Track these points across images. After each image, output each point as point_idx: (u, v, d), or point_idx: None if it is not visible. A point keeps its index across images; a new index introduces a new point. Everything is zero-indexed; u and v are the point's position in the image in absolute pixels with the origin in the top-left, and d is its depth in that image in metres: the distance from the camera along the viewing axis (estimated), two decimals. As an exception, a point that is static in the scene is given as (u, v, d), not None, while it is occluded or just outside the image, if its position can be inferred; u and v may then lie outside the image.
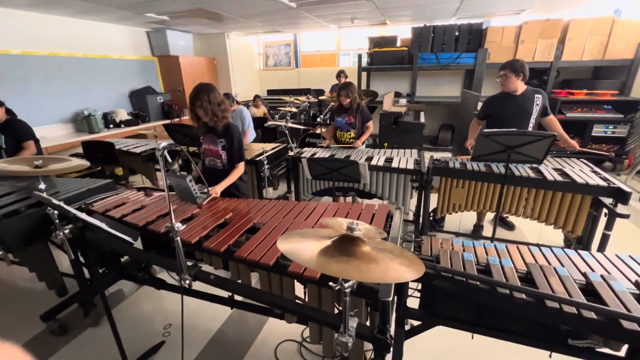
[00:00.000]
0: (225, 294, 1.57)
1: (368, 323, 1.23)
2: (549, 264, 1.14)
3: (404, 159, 2.71)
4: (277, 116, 3.66)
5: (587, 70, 5.23)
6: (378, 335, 0.91)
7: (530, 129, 2.57)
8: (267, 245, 1.25)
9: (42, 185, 1.41)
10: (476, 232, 3.04)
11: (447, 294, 1.09)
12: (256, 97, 5.43)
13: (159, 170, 3.50)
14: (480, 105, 2.97)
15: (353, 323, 0.92)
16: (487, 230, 3.07)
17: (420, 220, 2.69)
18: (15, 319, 2.16)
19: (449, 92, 6.13)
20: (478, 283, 1.01)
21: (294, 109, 4.69)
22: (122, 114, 5.24)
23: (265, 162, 2.74)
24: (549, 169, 2.30)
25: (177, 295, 1.76)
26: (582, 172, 2.22)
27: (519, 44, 4.89)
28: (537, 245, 1.30)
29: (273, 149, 3.10)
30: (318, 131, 4.07)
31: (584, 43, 4.62)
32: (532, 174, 2.22)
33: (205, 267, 1.38)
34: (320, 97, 5.60)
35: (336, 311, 1.21)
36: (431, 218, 2.84)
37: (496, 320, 1.09)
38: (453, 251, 1.20)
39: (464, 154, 2.96)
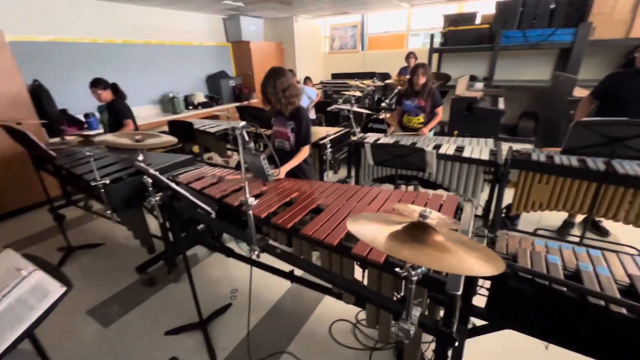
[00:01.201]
0: (286, 268, 1.66)
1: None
2: (661, 279, 0.96)
3: (477, 148, 2.49)
4: (340, 100, 3.64)
5: None
6: (443, 328, 0.87)
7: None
8: (331, 225, 1.27)
9: (141, 157, 1.63)
10: (564, 230, 2.70)
11: (522, 296, 1.00)
12: (307, 79, 5.41)
13: (230, 149, 3.79)
14: (576, 90, 2.56)
15: (416, 312, 0.90)
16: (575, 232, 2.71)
17: (491, 216, 2.47)
18: (116, 267, 2.59)
19: (536, 75, 5.37)
20: (565, 289, 0.90)
21: (358, 93, 4.61)
22: (200, 97, 5.74)
23: (329, 146, 2.76)
24: (667, 168, 1.90)
25: (243, 264, 1.93)
26: None
27: (637, 15, 4.02)
28: (644, 255, 1.10)
29: (336, 133, 3.10)
30: (382, 116, 3.95)
31: None
32: (642, 173, 1.87)
33: (270, 242, 1.47)
34: (386, 81, 5.39)
35: (394, 299, 1.20)
36: (503, 215, 2.59)
37: (580, 334, 0.97)
38: (534, 251, 1.08)
39: (549, 146, 2.60)
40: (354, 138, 2.95)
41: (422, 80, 2.83)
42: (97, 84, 3.02)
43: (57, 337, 1.93)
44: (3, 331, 1.00)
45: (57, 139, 3.40)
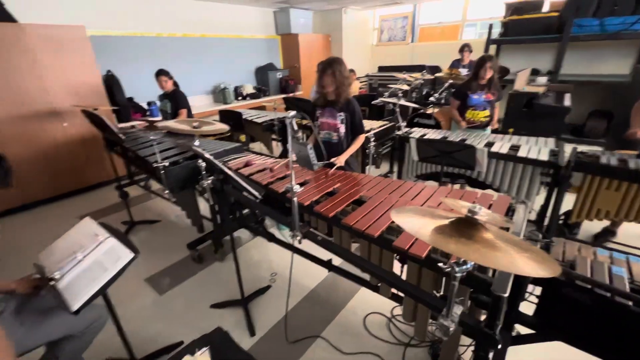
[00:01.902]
0: (325, 257, 1.70)
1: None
2: None
3: (535, 148, 2.30)
4: (386, 94, 3.56)
5: None
6: (485, 329, 0.85)
7: None
8: (373, 217, 1.28)
9: (197, 142, 1.76)
10: (601, 238, 2.45)
11: (578, 307, 0.93)
12: (350, 71, 5.33)
13: (275, 139, 3.92)
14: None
15: (457, 310, 0.88)
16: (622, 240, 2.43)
17: (546, 222, 2.28)
18: (169, 242, 2.84)
19: (612, 69, 4.76)
20: (630, 303, 0.82)
21: (405, 87, 4.47)
22: (249, 88, 5.98)
23: (372, 139, 2.74)
24: None
25: (282, 249, 2.01)
26: None
27: None
28: None
29: (380, 127, 3.06)
30: (429, 111, 3.80)
31: None
32: None
33: (311, 230, 1.52)
34: (436, 74, 5.16)
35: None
36: (561, 222, 2.38)
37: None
38: (596, 261, 1.00)
39: (624, 150, 2.32)
40: (398, 132, 2.89)
41: (489, 73, 2.68)
42: (164, 73, 3.32)
43: (122, 298, 2.19)
44: (85, 286, 1.17)
45: (126, 124, 3.79)
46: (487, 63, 2.65)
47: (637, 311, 0.84)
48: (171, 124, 2.01)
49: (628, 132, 2.21)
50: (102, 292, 1.23)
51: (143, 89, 4.56)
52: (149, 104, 4.52)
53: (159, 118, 4.32)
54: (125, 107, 4.22)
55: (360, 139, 2.19)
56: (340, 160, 2.01)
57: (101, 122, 2.56)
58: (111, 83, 4.10)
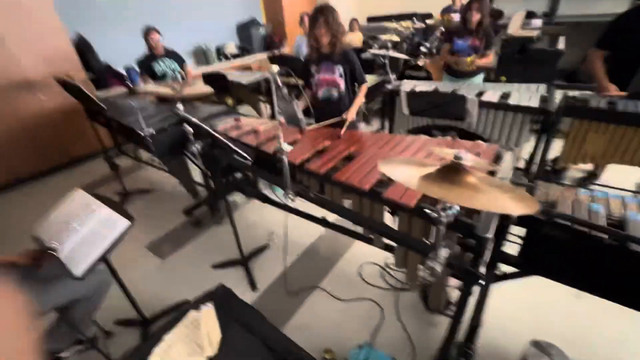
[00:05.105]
0: (319, 214, 1.75)
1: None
2: None
3: (526, 95, 2.27)
4: (375, 45, 3.40)
5: None
6: (469, 268, 0.90)
7: None
8: (363, 172, 1.29)
9: (180, 106, 1.70)
10: (586, 181, 2.56)
11: (558, 244, 0.98)
12: (353, 20, 5.02)
13: (263, 100, 3.80)
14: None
15: (444, 253, 0.93)
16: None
17: (535, 169, 2.33)
18: (165, 210, 2.87)
19: (610, 8, 4.53)
20: (605, 236, 0.87)
21: (395, 38, 4.27)
22: (231, 47, 5.66)
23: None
24: None
25: (278, 210, 2.05)
26: None
27: None
28: None
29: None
30: (421, 63, 3.68)
31: None
32: None
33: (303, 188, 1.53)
34: (427, 21, 4.90)
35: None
36: (549, 168, 2.44)
37: (616, 283, 0.95)
38: (576, 199, 1.04)
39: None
40: (389, 86, 2.81)
41: (476, 16, 2.54)
42: (155, 30, 3.07)
43: (125, 265, 2.25)
44: (86, 253, 1.20)
45: (105, 92, 3.61)
46: (474, 4, 2.51)
47: (612, 243, 0.89)
48: (152, 88, 1.93)
49: (600, 88, 2.19)
50: (103, 258, 1.27)
51: (116, 54, 4.28)
52: (126, 69, 4.29)
53: (143, 84, 4.14)
54: (101, 73, 4.00)
55: (364, 89, 2.07)
56: (351, 115, 1.91)
57: (79, 91, 2.44)
58: (83, 47, 3.84)
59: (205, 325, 1.06)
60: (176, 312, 1.11)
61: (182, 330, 1.07)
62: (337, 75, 2.01)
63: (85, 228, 1.28)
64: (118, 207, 1.36)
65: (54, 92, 3.44)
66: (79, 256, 1.20)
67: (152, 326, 1.76)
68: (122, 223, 1.28)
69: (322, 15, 1.82)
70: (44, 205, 1.42)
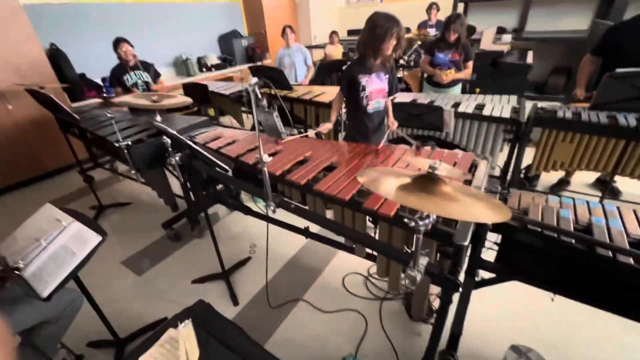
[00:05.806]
0: (301, 225, 1.74)
1: (437, 267, 1.24)
2: (677, 233, 0.95)
3: (499, 106, 2.38)
4: (355, 57, 3.45)
5: None
6: (448, 276, 0.92)
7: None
8: (344, 182, 1.30)
9: (158, 117, 1.67)
10: (558, 188, 2.68)
11: (531, 249, 1.02)
12: (333, 33, 5.11)
13: (245, 111, 3.79)
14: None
15: (423, 261, 0.95)
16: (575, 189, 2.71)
17: (509, 177, 2.42)
18: (143, 224, 2.77)
19: (573, 25, 4.89)
20: (573, 241, 0.91)
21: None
22: (213, 58, 5.63)
23: (343, 106, 2.71)
24: None
25: (261, 221, 2.02)
26: None
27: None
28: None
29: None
30: (399, 75, 3.78)
31: None
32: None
33: (285, 199, 1.53)
34: (405, 35, 5.08)
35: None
36: (522, 176, 2.54)
37: (587, 285, 0.99)
38: (547, 206, 1.08)
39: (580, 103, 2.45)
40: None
41: (454, 36, 2.68)
42: (126, 41, 3.01)
43: (99, 282, 2.15)
44: (53, 272, 1.13)
45: (80, 103, 3.50)
46: (452, 25, 2.64)
47: (579, 248, 0.93)
48: (129, 99, 1.89)
49: (576, 91, 2.33)
50: (73, 276, 1.21)
51: (93, 65, 4.18)
52: (103, 80, 4.18)
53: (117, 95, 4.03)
54: (77, 84, 3.88)
55: (390, 98, 2.02)
56: (395, 123, 1.91)
57: (51, 102, 2.35)
58: (57, 58, 3.72)
59: (183, 344, 1.02)
60: (153, 331, 1.07)
61: (158, 350, 1.02)
62: (386, 83, 1.95)
63: (53, 245, 1.21)
64: (90, 221, 1.31)
65: (25, 103, 3.31)
66: (47, 275, 1.13)
67: (128, 347, 1.68)
68: (94, 238, 1.22)
69: (398, 28, 1.69)
70: (15, 219, 1.34)
